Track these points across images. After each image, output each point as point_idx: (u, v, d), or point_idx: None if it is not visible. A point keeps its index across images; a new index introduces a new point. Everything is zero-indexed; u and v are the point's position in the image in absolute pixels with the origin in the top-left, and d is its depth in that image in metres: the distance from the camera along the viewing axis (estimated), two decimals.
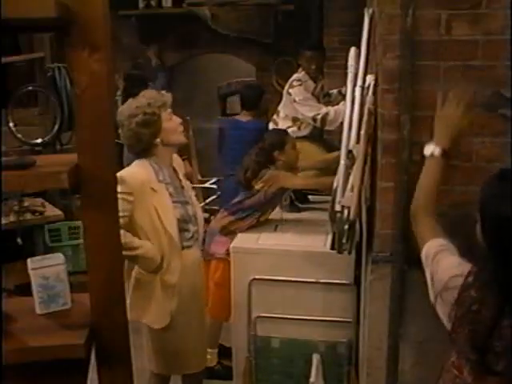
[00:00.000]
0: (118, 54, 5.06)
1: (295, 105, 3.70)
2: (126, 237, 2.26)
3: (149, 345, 2.50)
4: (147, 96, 2.40)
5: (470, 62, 1.80)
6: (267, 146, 3.10)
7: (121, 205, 2.24)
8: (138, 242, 2.35)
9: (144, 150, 2.42)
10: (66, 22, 1.18)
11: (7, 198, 3.78)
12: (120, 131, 2.40)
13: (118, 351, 1.38)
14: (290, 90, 3.74)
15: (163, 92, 2.47)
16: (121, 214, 2.23)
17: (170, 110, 2.44)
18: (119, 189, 2.24)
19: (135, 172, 2.38)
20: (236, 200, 3.12)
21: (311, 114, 3.62)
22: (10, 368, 1.27)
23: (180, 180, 2.53)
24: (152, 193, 2.35)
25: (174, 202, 2.43)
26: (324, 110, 3.61)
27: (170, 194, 2.43)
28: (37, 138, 3.80)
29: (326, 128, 3.67)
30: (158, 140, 2.39)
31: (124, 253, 2.28)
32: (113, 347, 1.37)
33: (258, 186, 2.99)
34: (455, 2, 1.78)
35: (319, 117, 3.59)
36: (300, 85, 3.73)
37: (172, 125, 2.43)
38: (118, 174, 2.30)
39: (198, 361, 2.62)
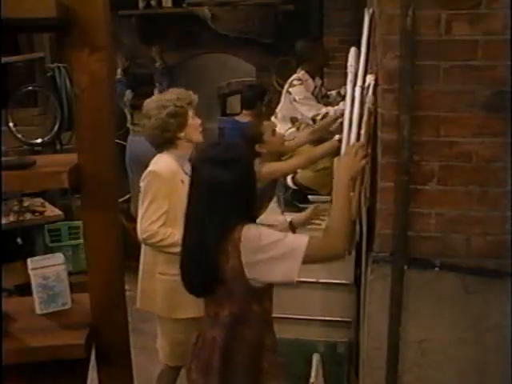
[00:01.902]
0: (119, 54, 5.07)
1: (295, 104, 3.69)
2: (175, 234, 2.36)
3: (168, 339, 2.57)
4: (176, 92, 2.57)
5: (470, 62, 1.80)
6: (248, 141, 2.99)
7: (159, 203, 2.39)
8: None
9: (167, 142, 2.53)
10: (66, 23, 1.18)
11: (7, 198, 3.77)
12: (146, 122, 2.55)
13: (118, 351, 1.38)
14: (291, 89, 3.73)
15: (191, 92, 2.61)
16: (162, 210, 2.39)
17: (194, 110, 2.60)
18: (156, 186, 2.39)
19: (166, 164, 2.49)
20: None
21: (311, 114, 3.60)
22: (10, 368, 1.27)
23: None
24: (181, 185, 2.44)
25: None
26: (324, 110, 3.60)
27: None
28: (37, 138, 3.80)
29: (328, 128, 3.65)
30: (182, 134, 2.52)
31: (175, 250, 2.30)
32: (113, 347, 1.37)
33: None
34: (455, 1, 1.78)
35: (319, 117, 3.57)
36: (301, 84, 3.72)
37: (195, 122, 2.58)
38: (150, 169, 2.45)
39: None
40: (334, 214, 1.78)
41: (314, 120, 3.61)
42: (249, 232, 1.71)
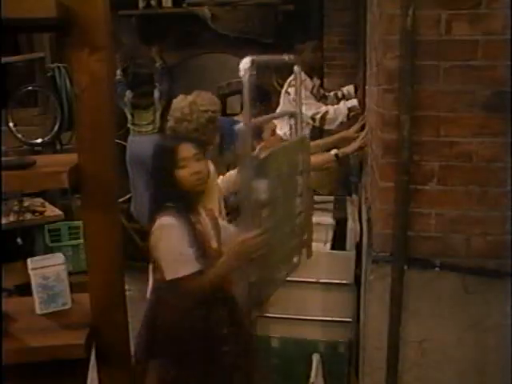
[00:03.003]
0: (118, 54, 5.07)
1: (294, 103, 3.69)
2: None
3: None
4: (209, 97, 2.64)
5: (470, 62, 1.80)
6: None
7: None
8: None
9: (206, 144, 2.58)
10: (66, 23, 1.18)
11: (7, 198, 3.77)
12: (184, 125, 2.58)
13: (118, 351, 1.38)
14: (289, 89, 3.73)
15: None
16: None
17: None
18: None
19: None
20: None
21: (310, 113, 3.60)
22: (10, 368, 1.27)
23: None
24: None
25: None
26: (324, 108, 3.60)
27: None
28: (37, 138, 3.79)
29: (326, 127, 3.65)
30: (215, 138, 2.66)
31: None
32: (113, 347, 1.37)
33: None
34: (455, 1, 1.78)
35: (318, 116, 3.57)
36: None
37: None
38: None
39: None
40: (217, 267, 1.96)
41: (313, 119, 3.60)
42: (160, 222, 1.96)
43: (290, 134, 3.67)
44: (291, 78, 3.80)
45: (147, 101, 5.06)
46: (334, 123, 3.56)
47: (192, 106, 2.58)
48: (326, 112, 3.55)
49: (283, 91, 3.84)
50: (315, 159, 3.11)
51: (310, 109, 3.61)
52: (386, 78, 1.88)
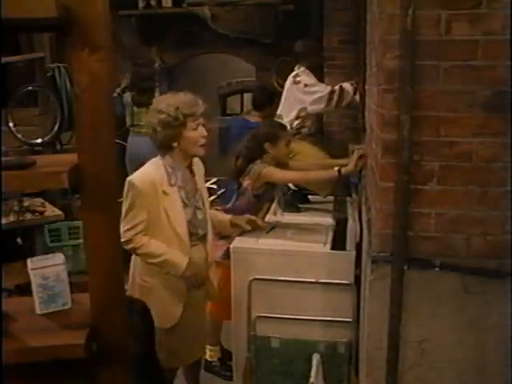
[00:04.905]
0: (119, 54, 5.08)
1: (305, 89, 3.72)
2: (150, 246, 2.37)
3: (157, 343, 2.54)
4: (181, 99, 2.39)
5: (470, 62, 1.80)
6: (260, 135, 3.08)
7: (135, 212, 2.34)
8: (163, 248, 2.40)
9: (160, 146, 2.44)
10: (66, 22, 1.18)
11: (7, 198, 3.77)
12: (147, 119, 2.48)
13: (118, 351, 1.38)
14: (298, 78, 3.76)
15: (200, 100, 2.43)
16: (138, 220, 2.34)
17: (201, 120, 2.42)
18: (131, 195, 2.34)
19: (146, 174, 2.41)
20: (229, 205, 3.12)
21: (327, 91, 3.64)
22: (10, 368, 1.27)
23: (196, 183, 2.54)
24: (163, 195, 2.38)
25: (184, 205, 2.45)
26: (336, 86, 3.66)
27: (181, 198, 2.45)
28: (37, 138, 3.79)
29: (343, 103, 3.67)
30: (175, 144, 2.40)
31: (150, 260, 2.40)
32: (113, 347, 1.37)
33: (245, 183, 2.99)
34: (455, 1, 1.78)
35: (336, 92, 3.61)
36: (308, 74, 3.78)
37: (194, 135, 2.40)
38: (128, 178, 2.37)
39: (198, 350, 2.79)
40: None
41: (331, 97, 3.65)
42: None
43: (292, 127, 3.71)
44: (295, 72, 3.83)
45: (147, 100, 5.07)
46: (348, 97, 3.60)
47: (157, 103, 2.44)
48: (341, 86, 3.61)
49: (288, 84, 3.86)
50: (317, 175, 3.13)
51: (323, 89, 3.67)
52: (385, 77, 1.88)
